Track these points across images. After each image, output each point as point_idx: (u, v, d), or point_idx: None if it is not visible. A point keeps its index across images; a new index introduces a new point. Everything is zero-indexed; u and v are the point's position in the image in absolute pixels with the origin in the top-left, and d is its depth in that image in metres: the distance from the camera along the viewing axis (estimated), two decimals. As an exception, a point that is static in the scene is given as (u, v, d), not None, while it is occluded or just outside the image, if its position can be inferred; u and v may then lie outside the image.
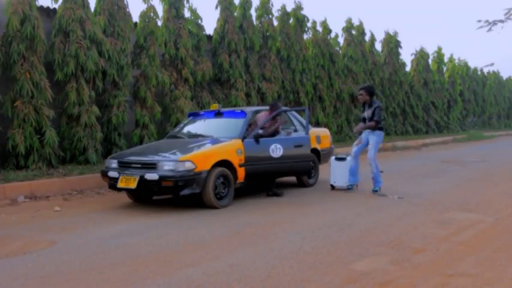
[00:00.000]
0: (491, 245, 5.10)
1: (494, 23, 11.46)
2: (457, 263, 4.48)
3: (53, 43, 10.35)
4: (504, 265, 4.39)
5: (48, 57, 10.30)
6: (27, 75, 9.49)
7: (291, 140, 8.79)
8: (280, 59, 17.33)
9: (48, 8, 10.93)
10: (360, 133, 9.02)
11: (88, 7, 10.87)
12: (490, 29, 11.63)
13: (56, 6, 10.63)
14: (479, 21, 11.69)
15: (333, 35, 20.65)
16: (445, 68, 31.04)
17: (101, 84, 10.96)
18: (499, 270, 4.24)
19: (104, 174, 7.79)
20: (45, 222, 6.62)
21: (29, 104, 9.51)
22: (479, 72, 36.52)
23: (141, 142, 11.50)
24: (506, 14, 11.17)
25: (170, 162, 7.18)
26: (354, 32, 22.02)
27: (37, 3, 10.19)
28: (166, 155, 7.59)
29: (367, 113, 8.58)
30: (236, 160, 7.80)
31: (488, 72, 38.78)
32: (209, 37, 15.05)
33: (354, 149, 8.86)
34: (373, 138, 8.59)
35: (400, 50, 25.60)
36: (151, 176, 7.08)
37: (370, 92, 8.69)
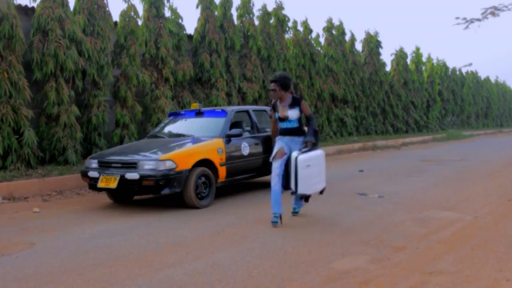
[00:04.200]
0: (470, 242, 5.16)
1: (471, 21, 11.59)
2: (436, 261, 4.52)
3: (31, 42, 10.24)
4: (482, 262, 4.44)
5: (26, 57, 10.17)
6: (5, 75, 9.36)
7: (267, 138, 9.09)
8: (261, 58, 17.34)
9: (26, 6, 10.79)
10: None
11: (67, 6, 10.76)
12: (467, 27, 11.76)
13: (35, 5, 10.51)
14: (457, 18, 11.82)
15: (314, 35, 20.82)
16: (423, 68, 31.35)
17: (81, 83, 10.87)
18: (477, 268, 4.29)
19: (84, 174, 7.74)
20: (24, 223, 6.55)
21: (7, 104, 9.38)
22: (457, 72, 36.96)
23: (121, 142, 11.42)
24: (483, 13, 11.31)
25: (151, 162, 7.16)
26: (334, 32, 22.15)
27: (15, 1, 10.08)
28: (147, 154, 7.56)
29: (290, 113, 6.38)
30: (217, 159, 7.80)
31: (467, 72, 39.28)
32: (190, 37, 15.01)
33: (275, 165, 6.28)
34: (298, 148, 6.30)
35: (380, 50, 25.80)
36: (132, 175, 7.05)
37: (283, 83, 6.37)
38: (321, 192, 6.37)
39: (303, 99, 6.56)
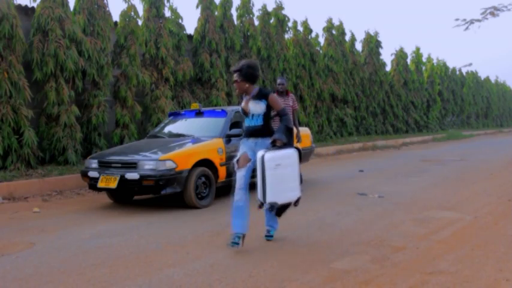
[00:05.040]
0: (470, 242, 5.15)
1: (472, 22, 11.61)
2: (436, 261, 4.52)
3: (31, 42, 10.24)
4: (482, 262, 4.43)
5: (26, 57, 10.18)
6: (5, 75, 9.36)
7: None
8: (261, 58, 17.34)
9: (26, 6, 10.80)
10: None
11: (67, 6, 10.76)
12: (467, 28, 11.79)
13: (35, 5, 10.51)
14: (456, 19, 11.83)
15: (313, 35, 20.83)
16: (423, 68, 31.36)
17: (81, 83, 10.87)
18: (477, 268, 4.29)
19: (84, 174, 7.74)
20: (24, 223, 6.54)
21: (7, 104, 9.38)
22: (457, 72, 36.98)
23: (121, 142, 11.42)
24: (482, 13, 11.32)
25: (151, 162, 7.16)
26: (334, 32, 22.15)
27: (15, 1, 10.08)
28: (147, 154, 7.56)
29: (252, 106, 5.28)
30: (217, 159, 7.80)
31: (467, 72, 39.30)
32: (190, 37, 15.01)
33: (238, 175, 5.17)
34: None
35: (380, 50, 25.81)
36: (132, 175, 7.06)
37: (247, 73, 5.21)
38: (296, 203, 5.14)
39: (272, 93, 5.33)
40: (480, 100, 41.11)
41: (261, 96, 5.23)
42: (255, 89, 5.27)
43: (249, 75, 5.20)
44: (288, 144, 5.04)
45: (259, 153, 4.90)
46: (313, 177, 10.71)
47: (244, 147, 5.33)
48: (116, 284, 4.05)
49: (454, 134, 29.83)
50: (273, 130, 5.27)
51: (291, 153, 4.99)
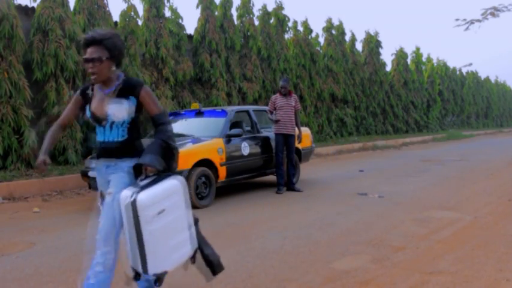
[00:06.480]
0: (470, 243, 5.15)
1: (472, 22, 11.63)
2: (436, 261, 4.52)
3: (31, 42, 10.24)
4: (482, 263, 4.43)
5: (26, 57, 10.18)
6: (6, 75, 9.36)
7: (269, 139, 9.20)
8: (261, 58, 17.34)
9: (26, 6, 10.80)
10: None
11: (67, 6, 10.77)
12: (467, 28, 11.82)
13: (35, 5, 10.53)
14: (457, 19, 11.86)
15: (313, 34, 20.81)
16: (423, 68, 31.36)
17: (81, 83, 10.86)
18: (477, 268, 4.28)
19: (84, 174, 7.74)
20: (24, 223, 6.54)
21: (7, 104, 9.39)
22: (457, 72, 36.97)
23: (121, 142, 11.40)
24: (483, 14, 11.34)
25: (151, 162, 7.13)
26: (334, 32, 22.14)
27: (15, 1, 10.09)
28: (147, 154, 7.55)
29: (113, 108, 3.12)
30: (217, 159, 7.80)
31: (467, 72, 39.29)
32: (190, 37, 15.02)
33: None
34: (122, 178, 3.17)
35: (380, 50, 25.79)
36: (132, 175, 7.04)
37: (114, 47, 3.08)
38: (192, 259, 3.41)
39: (146, 85, 3.23)
40: (480, 100, 41.10)
41: (129, 90, 3.17)
42: (119, 77, 3.20)
43: (118, 51, 3.14)
44: (170, 169, 3.18)
45: (124, 195, 2.94)
46: (313, 177, 10.71)
47: (97, 177, 3.49)
48: (116, 284, 4.03)
49: (454, 134, 29.84)
50: (141, 148, 3.27)
51: (174, 186, 3.07)
